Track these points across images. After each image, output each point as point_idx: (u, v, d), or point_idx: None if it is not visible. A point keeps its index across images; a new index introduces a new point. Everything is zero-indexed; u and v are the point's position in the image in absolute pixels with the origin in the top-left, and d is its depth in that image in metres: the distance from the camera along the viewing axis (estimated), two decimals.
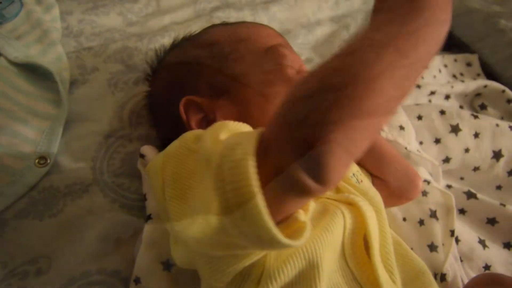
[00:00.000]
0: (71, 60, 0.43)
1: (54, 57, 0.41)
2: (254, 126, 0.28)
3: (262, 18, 0.59)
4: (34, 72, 0.40)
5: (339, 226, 0.22)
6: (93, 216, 0.34)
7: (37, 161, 0.34)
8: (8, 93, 0.37)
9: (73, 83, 0.42)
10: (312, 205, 0.21)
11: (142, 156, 0.35)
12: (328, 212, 0.23)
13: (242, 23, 0.39)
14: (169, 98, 0.35)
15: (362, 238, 0.24)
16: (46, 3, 0.46)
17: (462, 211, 0.43)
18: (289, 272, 0.19)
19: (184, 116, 0.32)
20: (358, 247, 0.23)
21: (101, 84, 0.42)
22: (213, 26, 0.39)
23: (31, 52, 0.41)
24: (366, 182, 0.30)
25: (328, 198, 0.25)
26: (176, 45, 0.39)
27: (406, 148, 0.38)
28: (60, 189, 0.35)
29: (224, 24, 0.40)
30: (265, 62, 0.31)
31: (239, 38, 0.34)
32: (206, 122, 0.32)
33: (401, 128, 0.39)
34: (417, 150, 0.39)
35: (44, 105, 0.38)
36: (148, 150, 0.34)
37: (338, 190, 0.27)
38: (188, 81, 0.34)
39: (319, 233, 0.21)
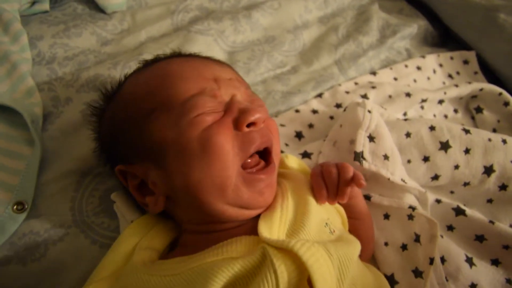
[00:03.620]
0: (43, 92, 0.42)
1: (24, 92, 0.40)
2: (179, 193, 0.29)
3: (244, 26, 0.56)
4: (4, 110, 0.39)
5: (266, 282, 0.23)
6: (75, 258, 0.34)
7: (15, 207, 0.34)
8: None
9: (47, 117, 0.41)
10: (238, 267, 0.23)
11: (114, 201, 0.35)
12: (252, 278, 0.23)
13: (180, 60, 0.35)
14: (107, 151, 0.35)
15: (306, 284, 0.23)
16: (14, 32, 0.44)
17: (450, 228, 0.42)
18: None
19: (124, 182, 0.32)
20: None
21: (75, 117, 0.41)
22: (137, 72, 0.36)
23: (0, 90, 0.40)
24: (338, 231, 0.30)
25: (269, 245, 0.25)
26: (118, 88, 0.36)
27: (389, 179, 0.37)
28: (40, 233, 0.35)
29: (161, 60, 0.36)
30: (178, 121, 0.29)
31: (162, 88, 0.31)
32: (144, 185, 0.31)
33: (385, 157, 0.38)
34: (402, 180, 0.37)
35: (19, 146, 0.38)
36: (117, 197, 0.34)
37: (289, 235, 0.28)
38: (118, 146, 0.33)
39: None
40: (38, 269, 0.34)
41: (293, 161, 0.39)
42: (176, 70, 0.33)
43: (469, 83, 0.53)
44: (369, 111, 0.40)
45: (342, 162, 0.33)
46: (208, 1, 0.59)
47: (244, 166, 0.29)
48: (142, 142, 0.31)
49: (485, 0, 0.59)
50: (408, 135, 0.42)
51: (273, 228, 0.28)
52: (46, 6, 0.51)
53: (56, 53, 0.47)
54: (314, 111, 0.50)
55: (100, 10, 0.53)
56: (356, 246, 0.29)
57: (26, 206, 0.35)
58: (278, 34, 0.58)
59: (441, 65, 0.60)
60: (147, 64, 0.37)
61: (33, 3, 0.50)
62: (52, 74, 0.45)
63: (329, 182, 0.32)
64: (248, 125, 0.29)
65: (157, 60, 0.36)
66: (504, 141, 0.42)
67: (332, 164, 0.33)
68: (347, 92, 0.52)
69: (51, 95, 0.42)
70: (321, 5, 0.64)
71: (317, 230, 0.28)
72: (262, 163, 0.31)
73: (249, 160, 0.30)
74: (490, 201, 0.44)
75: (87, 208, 0.37)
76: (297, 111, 0.50)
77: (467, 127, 0.42)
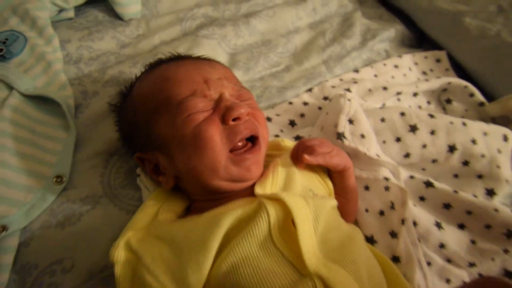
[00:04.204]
0: (74, 86, 0.50)
1: (59, 87, 0.48)
2: (184, 173, 0.36)
3: (244, 32, 0.64)
4: (43, 101, 0.46)
5: (262, 224, 0.30)
6: (106, 222, 0.41)
7: (54, 179, 0.41)
8: (25, 123, 0.43)
9: (77, 107, 0.48)
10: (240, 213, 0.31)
11: (138, 175, 0.42)
12: (253, 217, 0.31)
13: (177, 64, 0.41)
14: (127, 139, 0.42)
15: (291, 223, 0.30)
16: (47, 35, 0.51)
17: (422, 198, 0.49)
18: (227, 265, 0.28)
19: (141, 166, 0.40)
20: (286, 231, 0.30)
21: (102, 107, 0.49)
22: (152, 67, 0.43)
23: (38, 84, 0.47)
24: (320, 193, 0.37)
25: (264, 197, 0.33)
26: (130, 87, 0.43)
27: (365, 153, 0.44)
28: (76, 202, 0.41)
29: (161, 64, 0.42)
30: (176, 117, 0.35)
31: (162, 92, 0.37)
32: (158, 168, 0.38)
33: (362, 136, 0.45)
34: (376, 155, 0.45)
35: (56, 131, 0.45)
36: (142, 171, 0.42)
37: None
38: (134, 139, 0.40)
39: (243, 235, 0.29)
40: (74, 232, 0.40)
41: (288, 143, 0.46)
42: (172, 75, 0.39)
43: (439, 77, 0.61)
44: (349, 100, 0.48)
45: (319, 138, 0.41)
46: (212, 10, 0.67)
47: (232, 149, 0.36)
48: (150, 136, 0.38)
49: (452, 7, 0.67)
50: (383, 120, 0.50)
51: (266, 189, 0.35)
52: (71, 14, 0.59)
53: (82, 54, 0.55)
54: (305, 103, 0.58)
55: (119, 17, 0.61)
56: (329, 200, 0.36)
57: (64, 179, 0.41)
58: (273, 38, 0.66)
59: (416, 64, 0.68)
60: (151, 66, 0.44)
61: (60, 11, 0.58)
62: (79, 72, 0.53)
63: (296, 150, 0.39)
64: (234, 119, 0.35)
65: (158, 63, 0.43)
66: (464, 124, 0.50)
67: (307, 139, 0.40)
68: (333, 87, 0.59)
69: (80, 89, 0.50)
70: (311, 13, 0.73)
71: (301, 192, 0.36)
72: (249, 145, 0.37)
73: (239, 144, 0.36)
74: (456, 176, 0.51)
75: (115, 182, 0.44)
76: (290, 103, 0.57)
77: (432, 113, 0.50)
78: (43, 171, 0.41)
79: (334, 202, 0.37)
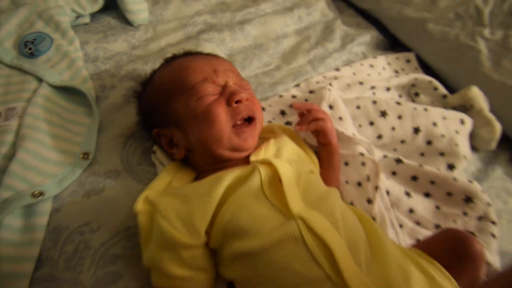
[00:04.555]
0: (94, 81, 0.57)
1: (81, 81, 0.55)
2: (195, 145, 0.44)
3: (239, 36, 0.73)
4: (68, 92, 0.53)
5: (255, 179, 0.38)
6: (126, 193, 0.48)
7: (81, 156, 0.48)
8: (54, 110, 0.50)
9: (97, 99, 0.56)
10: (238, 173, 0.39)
11: (154, 152, 0.50)
12: (248, 176, 0.39)
13: (189, 57, 0.49)
14: (147, 122, 0.50)
15: (278, 181, 0.38)
16: (69, 37, 0.59)
17: (393, 173, 0.58)
18: (229, 213, 0.36)
19: (158, 140, 0.48)
20: (275, 186, 0.38)
21: (119, 99, 0.56)
22: (168, 61, 0.51)
23: (64, 78, 0.54)
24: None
25: (257, 162, 0.41)
26: (150, 78, 0.52)
27: (343, 133, 0.53)
28: (100, 175, 0.48)
29: (177, 58, 0.50)
30: (190, 99, 0.43)
31: (178, 80, 0.45)
32: (172, 142, 0.46)
33: (340, 119, 0.54)
34: (352, 134, 0.54)
35: (80, 117, 0.52)
36: (157, 148, 0.50)
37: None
38: (153, 117, 0.48)
39: (241, 190, 0.38)
40: (98, 200, 0.47)
41: (280, 126, 0.55)
42: (187, 65, 0.47)
43: (407, 74, 0.71)
44: (329, 90, 0.57)
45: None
46: (210, 18, 0.76)
47: (234, 125, 0.44)
48: (168, 114, 0.46)
49: (417, 15, 0.78)
50: (358, 107, 0.59)
51: (259, 157, 0.44)
52: (87, 19, 0.67)
53: (99, 54, 0.62)
54: (293, 96, 0.66)
55: (129, 23, 0.69)
56: (308, 165, 0.45)
57: (90, 156, 0.48)
58: (264, 42, 0.76)
59: (389, 64, 0.78)
60: (168, 60, 0.52)
61: (77, 17, 0.66)
62: (97, 69, 0.60)
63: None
64: (236, 102, 0.44)
65: (174, 57, 0.52)
66: (426, 109, 0.59)
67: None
68: (317, 82, 0.69)
69: (99, 83, 0.57)
70: (297, 21, 0.82)
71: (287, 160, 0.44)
72: (247, 123, 0.45)
73: (239, 123, 0.44)
74: (422, 154, 0.61)
75: (132, 160, 0.51)
76: (281, 96, 0.66)
77: (398, 100, 0.59)
78: (72, 149, 0.48)
79: (312, 167, 0.45)
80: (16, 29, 0.57)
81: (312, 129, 0.49)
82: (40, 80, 0.52)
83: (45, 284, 0.38)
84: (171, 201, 0.38)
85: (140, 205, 0.39)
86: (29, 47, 0.55)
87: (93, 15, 0.68)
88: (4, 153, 0.44)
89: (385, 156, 0.59)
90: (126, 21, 0.69)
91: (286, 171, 0.39)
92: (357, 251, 0.35)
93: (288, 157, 0.45)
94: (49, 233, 0.43)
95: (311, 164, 0.49)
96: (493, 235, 0.53)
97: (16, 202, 0.40)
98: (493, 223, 0.53)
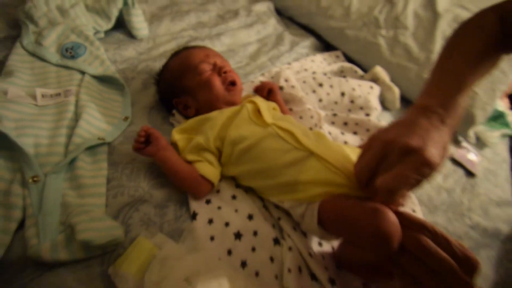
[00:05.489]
0: (119, 74, 0.79)
1: (111, 73, 0.77)
2: (200, 104, 0.71)
3: (216, 44, 1.00)
4: (104, 80, 0.75)
5: (245, 111, 0.63)
6: None
7: (123, 118, 0.69)
8: (98, 91, 0.71)
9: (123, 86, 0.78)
10: (234, 108, 0.65)
11: (173, 115, 0.73)
12: (240, 110, 0.64)
13: (191, 49, 0.75)
14: (166, 95, 0.74)
15: (258, 111, 0.65)
16: (96, 45, 0.81)
17: (332, 123, 0.87)
18: (234, 132, 0.61)
19: (176, 106, 0.72)
20: (256, 114, 0.64)
21: (139, 86, 0.79)
22: (175, 54, 0.77)
23: (99, 71, 0.76)
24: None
25: (247, 101, 0.67)
26: (163, 67, 0.77)
27: (296, 95, 0.81)
28: (136, 131, 0.69)
29: (181, 51, 0.76)
30: (195, 75, 0.69)
31: (184, 64, 0.71)
32: (187, 106, 0.71)
33: (293, 87, 0.83)
34: (302, 96, 0.82)
35: (115, 96, 0.73)
36: (175, 112, 0.73)
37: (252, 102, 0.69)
38: (172, 89, 0.72)
39: (237, 118, 0.63)
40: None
41: (252, 94, 0.81)
42: (189, 54, 0.73)
43: (336, 63, 1.04)
44: (284, 70, 0.86)
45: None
46: (194, 32, 1.02)
47: (226, 88, 0.70)
48: (181, 87, 0.70)
49: (338, 25, 1.13)
50: (304, 82, 0.88)
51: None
52: (102, 35, 0.89)
53: (116, 58, 0.85)
54: (260, 81, 0.94)
55: (133, 37, 0.93)
56: (272, 104, 0.71)
57: (129, 119, 0.70)
58: (235, 48, 1.04)
59: (324, 59, 1.11)
60: (174, 54, 0.77)
61: (95, 33, 0.88)
62: (117, 68, 0.82)
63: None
64: (224, 73, 0.70)
65: (178, 51, 0.77)
66: (347, 80, 0.91)
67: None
68: (276, 72, 0.97)
69: (122, 75, 0.79)
70: (256, 33, 1.13)
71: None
72: (232, 86, 0.71)
73: (228, 85, 0.70)
74: (349, 110, 0.91)
75: (156, 122, 0.73)
76: (252, 81, 0.93)
77: (329, 76, 0.90)
78: (115, 115, 0.69)
79: (275, 105, 0.71)
80: (56, 40, 0.77)
81: (267, 89, 0.77)
82: (82, 73, 0.73)
83: (117, 189, 0.58)
84: (191, 126, 0.64)
85: (174, 136, 0.62)
86: (70, 51, 0.76)
87: (106, 32, 0.91)
88: (70, 117, 0.64)
89: (326, 115, 0.88)
90: (131, 36, 0.93)
91: (262, 105, 0.65)
92: (307, 135, 0.61)
93: (261, 101, 0.71)
94: (110, 165, 0.63)
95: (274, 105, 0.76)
96: None
97: (87, 143, 0.60)
98: None
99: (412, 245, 0.43)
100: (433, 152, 0.42)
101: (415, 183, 0.42)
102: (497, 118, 1.10)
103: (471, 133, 0.99)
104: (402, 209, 0.47)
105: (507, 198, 0.93)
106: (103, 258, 0.49)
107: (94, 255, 0.48)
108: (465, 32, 0.53)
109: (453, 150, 0.97)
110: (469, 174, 0.94)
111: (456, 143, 1.00)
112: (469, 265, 0.42)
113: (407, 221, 0.45)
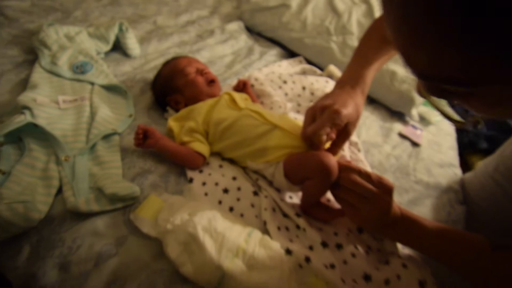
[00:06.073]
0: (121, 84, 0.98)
1: (115, 82, 0.95)
2: (188, 99, 0.92)
3: (197, 57, 1.21)
4: (109, 89, 0.93)
5: (223, 100, 0.83)
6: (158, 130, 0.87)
7: (129, 116, 0.87)
8: (105, 96, 0.89)
9: (125, 93, 0.96)
10: (215, 99, 0.86)
11: (167, 111, 0.92)
12: (219, 100, 0.84)
13: (177, 59, 0.95)
14: (160, 96, 0.93)
15: (233, 100, 0.84)
16: (100, 63, 1.00)
17: (297, 111, 1.07)
18: (216, 116, 0.80)
19: (169, 103, 0.91)
20: (233, 102, 0.83)
21: (138, 91, 0.97)
22: (166, 63, 0.98)
23: (105, 82, 0.94)
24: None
25: (224, 93, 0.87)
26: (157, 74, 0.96)
27: (265, 90, 1.01)
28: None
29: (170, 61, 0.98)
30: (182, 76, 0.89)
31: (173, 69, 0.90)
32: (177, 102, 0.90)
33: (261, 84, 1.03)
34: (270, 91, 1.03)
35: (119, 100, 0.91)
36: (168, 108, 0.92)
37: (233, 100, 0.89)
38: (165, 90, 0.92)
39: (218, 106, 0.83)
40: None
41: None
42: (176, 62, 0.93)
43: (299, 66, 1.26)
44: (255, 71, 1.07)
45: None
46: (178, 49, 1.23)
47: (207, 84, 0.90)
48: (172, 87, 0.90)
49: (298, 35, 1.36)
50: (271, 80, 1.09)
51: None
52: (103, 55, 1.08)
53: (116, 72, 1.03)
54: None
55: (128, 56, 1.12)
56: (244, 95, 0.91)
57: (133, 116, 0.87)
58: (214, 60, 1.24)
59: (290, 64, 1.33)
60: (165, 63, 0.97)
61: (97, 54, 1.07)
62: (119, 79, 1.01)
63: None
64: (205, 74, 0.91)
65: (168, 61, 0.97)
66: (306, 77, 1.12)
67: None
68: (249, 75, 1.18)
69: (123, 85, 0.98)
70: (230, 48, 1.34)
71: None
72: (212, 83, 0.91)
73: (209, 83, 0.91)
74: (311, 100, 1.11)
75: (154, 118, 0.91)
76: (229, 84, 1.13)
77: (291, 74, 1.11)
78: (122, 113, 0.87)
79: (246, 96, 0.91)
80: (67, 60, 0.95)
81: (241, 84, 0.97)
82: (91, 84, 0.91)
83: (129, 164, 0.75)
84: (184, 115, 0.81)
85: (169, 123, 0.81)
86: (79, 68, 0.94)
87: (106, 53, 1.10)
88: (87, 115, 0.81)
89: (292, 105, 1.09)
90: (126, 55, 1.12)
91: (236, 96, 0.85)
92: (272, 115, 0.80)
93: (235, 93, 0.90)
94: (121, 150, 0.79)
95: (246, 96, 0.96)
96: None
97: (104, 132, 0.77)
98: None
99: (345, 180, 0.62)
100: (339, 105, 0.63)
101: (331, 126, 0.62)
102: None
103: (413, 112, 1.21)
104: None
105: (449, 161, 1.13)
106: (124, 210, 0.65)
107: (117, 207, 0.64)
108: (373, 27, 0.75)
109: (400, 127, 1.18)
110: (415, 145, 1.15)
111: (404, 122, 1.22)
112: (385, 188, 0.61)
113: (341, 165, 0.64)
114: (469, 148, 1.75)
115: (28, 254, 0.58)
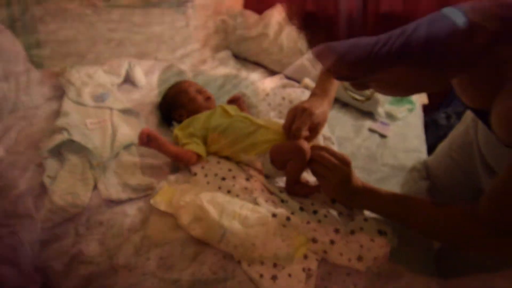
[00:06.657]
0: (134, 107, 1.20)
1: (129, 107, 1.17)
2: (190, 112, 1.16)
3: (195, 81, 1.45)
4: (125, 112, 1.15)
5: (218, 111, 1.06)
6: (167, 140, 1.07)
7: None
8: (122, 117, 1.11)
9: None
10: (211, 110, 1.09)
11: (172, 125, 1.14)
12: (215, 111, 1.07)
13: (180, 82, 1.22)
14: (166, 112, 1.17)
15: (227, 111, 1.06)
16: (115, 93, 1.22)
17: (280, 118, 1.28)
18: (215, 123, 1.03)
19: (174, 117, 1.14)
20: (226, 112, 1.05)
21: (147, 112, 1.19)
22: (170, 87, 1.21)
23: (121, 106, 1.16)
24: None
25: (218, 106, 1.09)
26: (164, 96, 1.20)
27: (253, 102, 1.23)
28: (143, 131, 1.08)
29: (175, 84, 1.22)
30: (185, 95, 1.14)
31: (177, 90, 1.15)
32: (181, 115, 1.13)
33: (248, 97, 1.26)
34: (256, 102, 1.25)
35: (134, 119, 1.13)
36: (174, 123, 1.14)
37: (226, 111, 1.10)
38: (170, 107, 1.15)
39: (214, 115, 1.05)
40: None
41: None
42: (179, 85, 1.18)
43: (281, 80, 1.49)
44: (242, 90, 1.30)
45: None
46: (178, 77, 1.47)
47: (205, 100, 1.13)
48: (177, 104, 1.13)
49: (278, 57, 1.61)
50: (256, 94, 1.31)
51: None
52: (116, 87, 1.31)
53: (129, 99, 1.26)
54: None
55: (136, 86, 1.36)
56: (236, 107, 1.13)
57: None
58: (209, 83, 1.48)
59: (272, 80, 1.57)
60: (170, 87, 1.21)
61: (111, 86, 1.30)
62: (133, 103, 1.23)
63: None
64: (202, 92, 1.15)
65: (174, 84, 1.21)
66: (285, 89, 1.34)
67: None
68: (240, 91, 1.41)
69: (135, 108, 1.20)
70: (222, 72, 1.59)
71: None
72: (209, 98, 1.15)
73: (206, 99, 1.14)
74: (291, 101, 1.33)
75: (161, 132, 1.12)
76: (223, 101, 1.36)
77: (273, 88, 1.34)
78: (136, 129, 1.08)
79: (236, 107, 1.13)
80: (89, 92, 1.18)
81: (234, 98, 1.19)
82: (110, 109, 1.13)
83: (145, 164, 0.95)
84: (187, 125, 1.03)
85: (175, 132, 1.01)
86: (100, 98, 1.17)
87: (118, 85, 1.34)
88: (110, 133, 1.02)
89: (275, 113, 1.30)
90: (135, 85, 1.36)
91: (228, 107, 1.07)
92: (258, 119, 1.01)
93: (227, 105, 1.12)
94: (138, 156, 0.99)
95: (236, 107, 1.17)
96: None
97: (124, 144, 0.98)
98: None
99: (315, 156, 0.82)
100: (314, 109, 0.87)
101: (307, 124, 0.86)
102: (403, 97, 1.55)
103: (380, 110, 1.42)
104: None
105: (415, 147, 1.32)
106: (145, 199, 0.84)
107: (139, 196, 0.83)
108: None
109: (370, 124, 1.39)
110: (383, 137, 1.35)
111: (374, 119, 1.43)
112: (345, 162, 0.81)
113: (313, 147, 0.85)
114: (444, 139, 1.94)
115: (75, 234, 0.76)
